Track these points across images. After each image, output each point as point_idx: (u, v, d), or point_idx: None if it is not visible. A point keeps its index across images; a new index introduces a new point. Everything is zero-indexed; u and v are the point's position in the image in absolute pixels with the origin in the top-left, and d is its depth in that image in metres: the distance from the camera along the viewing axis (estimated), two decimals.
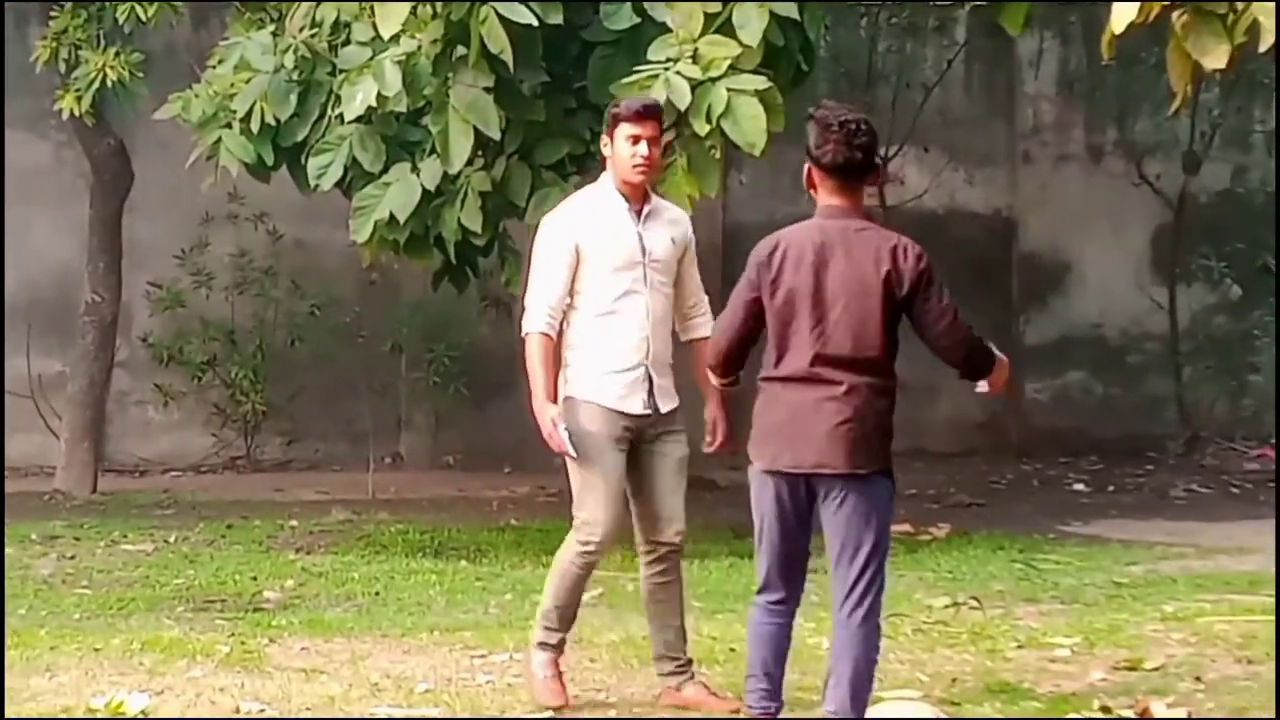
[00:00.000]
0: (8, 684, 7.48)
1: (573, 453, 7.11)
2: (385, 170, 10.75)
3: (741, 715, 6.77)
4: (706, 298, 7.60)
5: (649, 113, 7.32)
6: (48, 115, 14.05)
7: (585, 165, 10.73)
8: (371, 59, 10.37)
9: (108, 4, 12.56)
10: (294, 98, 11.06)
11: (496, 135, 10.34)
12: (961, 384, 6.51)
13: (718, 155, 9.80)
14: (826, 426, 6.19)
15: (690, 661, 7.52)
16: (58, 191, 15.83)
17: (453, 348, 16.14)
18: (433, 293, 12.41)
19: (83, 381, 14.65)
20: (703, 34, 9.67)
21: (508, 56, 9.75)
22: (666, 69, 9.51)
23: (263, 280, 16.30)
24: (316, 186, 10.98)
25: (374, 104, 10.29)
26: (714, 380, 6.66)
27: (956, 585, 10.33)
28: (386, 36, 10.16)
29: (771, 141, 9.64)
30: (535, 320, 7.23)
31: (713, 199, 10.70)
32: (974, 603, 9.65)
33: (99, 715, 7.12)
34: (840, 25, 16.35)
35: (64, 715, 7.12)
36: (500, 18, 9.67)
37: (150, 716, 7.09)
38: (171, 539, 12.08)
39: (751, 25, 9.69)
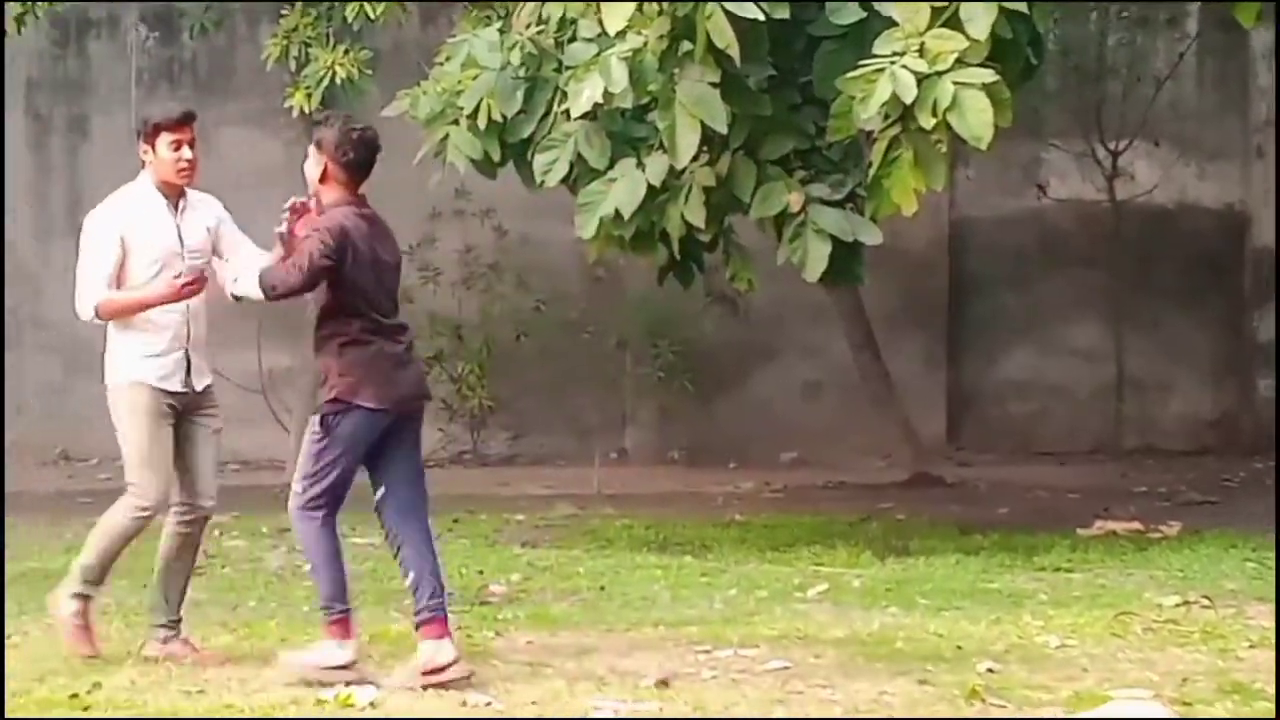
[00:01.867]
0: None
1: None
2: (610, 166, 10.75)
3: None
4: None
5: (189, 119, 8.16)
6: (278, 113, 14.26)
7: (810, 160, 10.68)
8: (597, 55, 10.38)
9: (337, 2, 12.73)
10: (520, 94, 11.10)
11: (723, 130, 10.30)
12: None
13: (944, 149, 9.69)
14: None
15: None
16: (288, 189, 16.04)
17: (677, 343, 16.17)
18: (658, 288, 12.42)
19: (313, 377, 14.83)
20: (929, 28, 9.56)
21: (734, 52, 9.71)
22: (892, 63, 9.41)
23: (489, 276, 16.44)
24: (542, 183, 11.01)
25: (600, 100, 10.29)
26: None
27: (1187, 584, 10.14)
28: (612, 33, 10.15)
29: (998, 136, 9.52)
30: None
31: (939, 193, 10.58)
32: (1205, 601, 9.47)
33: (327, 707, 7.21)
34: (1070, 19, 16.13)
35: (293, 706, 7.21)
36: (726, 13, 9.64)
37: (377, 709, 7.16)
38: None
39: (979, 20, 9.56)
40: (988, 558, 11.03)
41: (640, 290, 15.40)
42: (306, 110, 13.25)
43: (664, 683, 7.49)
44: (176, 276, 7.92)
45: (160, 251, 8.07)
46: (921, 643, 7.74)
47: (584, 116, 10.58)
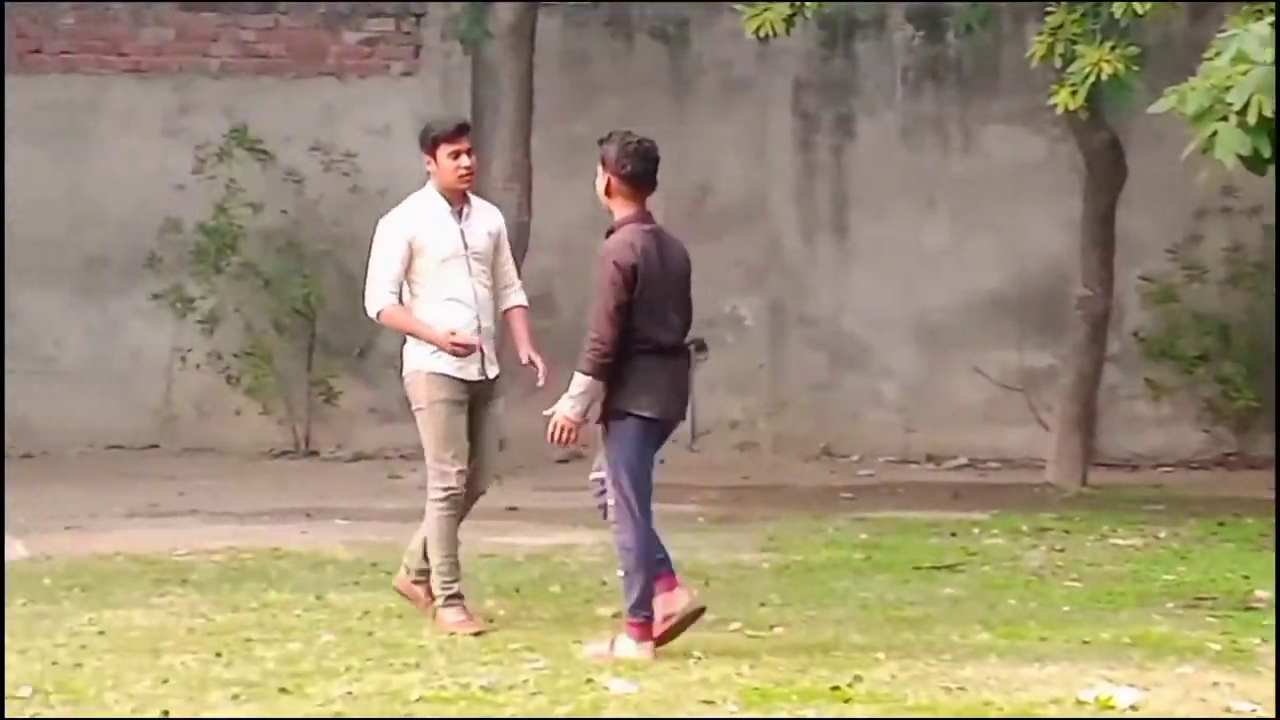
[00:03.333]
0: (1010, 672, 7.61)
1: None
2: None
3: None
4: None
5: (464, 130, 8.77)
6: (1042, 111, 14.19)
7: None
8: None
9: (1104, 1, 12.57)
10: None
11: None
12: None
13: None
14: None
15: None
16: (1050, 186, 16.01)
17: None
18: None
19: (1073, 375, 14.72)
20: None
21: None
22: None
23: (1256, 274, 15.96)
24: None
25: None
26: None
27: None
28: None
29: None
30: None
31: None
32: None
33: (1087, 708, 7.14)
34: None
35: (1053, 706, 7.17)
36: None
37: (1139, 712, 7.04)
38: (1161, 534, 11.97)
39: None
40: None
41: None
42: (1071, 108, 13.13)
43: None
44: (452, 334, 8.50)
45: (446, 252, 8.66)
46: None
47: None
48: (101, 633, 8.48)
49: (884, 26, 16.82)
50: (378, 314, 8.71)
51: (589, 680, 7.45)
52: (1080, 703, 7.15)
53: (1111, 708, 7.07)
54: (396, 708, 7.06)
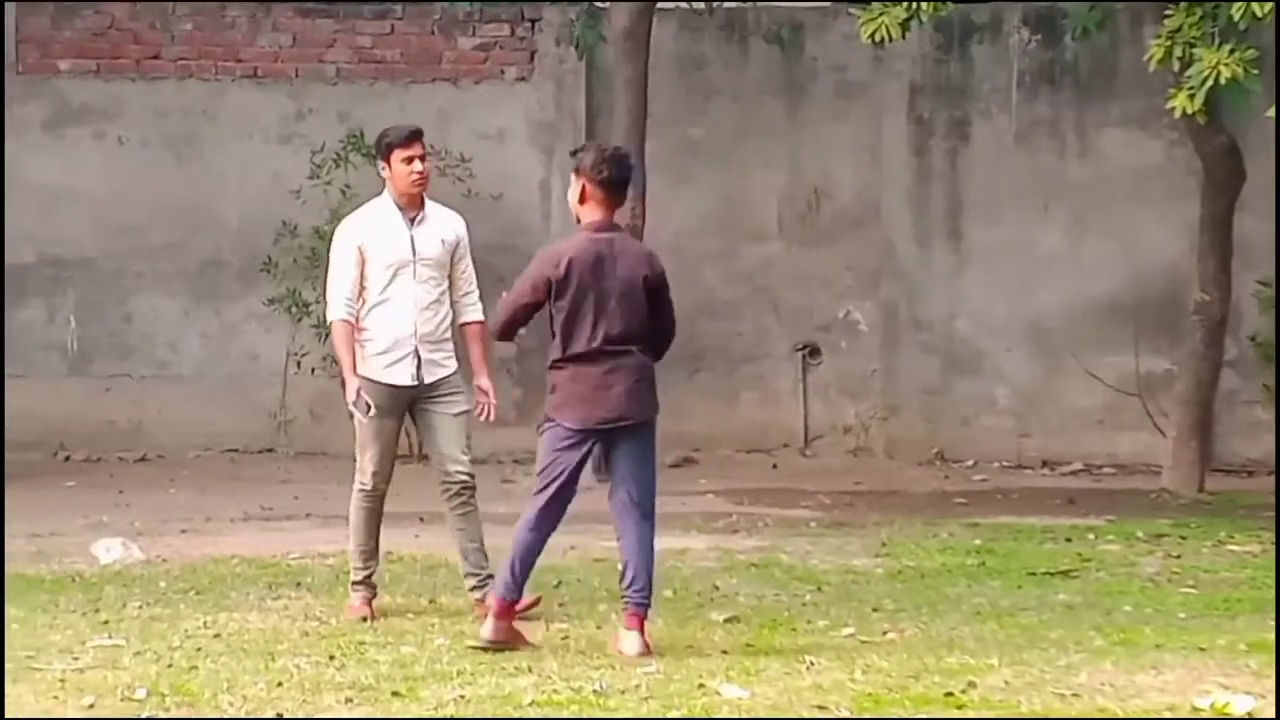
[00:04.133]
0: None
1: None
2: None
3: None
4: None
5: (416, 136, 9.02)
6: (1159, 114, 14.07)
7: None
8: None
9: (1223, 2, 12.45)
10: None
11: None
12: None
13: None
14: None
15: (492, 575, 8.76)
16: (1167, 190, 15.88)
17: None
18: None
19: (1190, 380, 14.58)
20: None
21: None
22: None
23: None
24: None
25: None
26: None
27: None
28: None
29: None
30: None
31: None
32: None
33: (1203, 715, 7.07)
34: None
35: (1167, 712, 7.11)
36: None
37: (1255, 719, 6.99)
38: None
39: None
40: None
41: None
42: (1188, 111, 13.01)
43: None
44: (358, 392, 8.97)
45: (393, 258, 8.97)
46: None
47: None
48: (216, 635, 8.56)
49: (1000, 30, 16.72)
50: (330, 326, 9.21)
51: (701, 685, 7.45)
52: (1196, 710, 7.11)
53: (1227, 715, 7.01)
54: (509, 711, 7.08)
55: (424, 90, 16.62)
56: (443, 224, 9.19)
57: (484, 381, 9.18)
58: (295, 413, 16.40)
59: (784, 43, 16.59)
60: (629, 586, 8.25)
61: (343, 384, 9.18)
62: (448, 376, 9.12)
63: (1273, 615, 9.17)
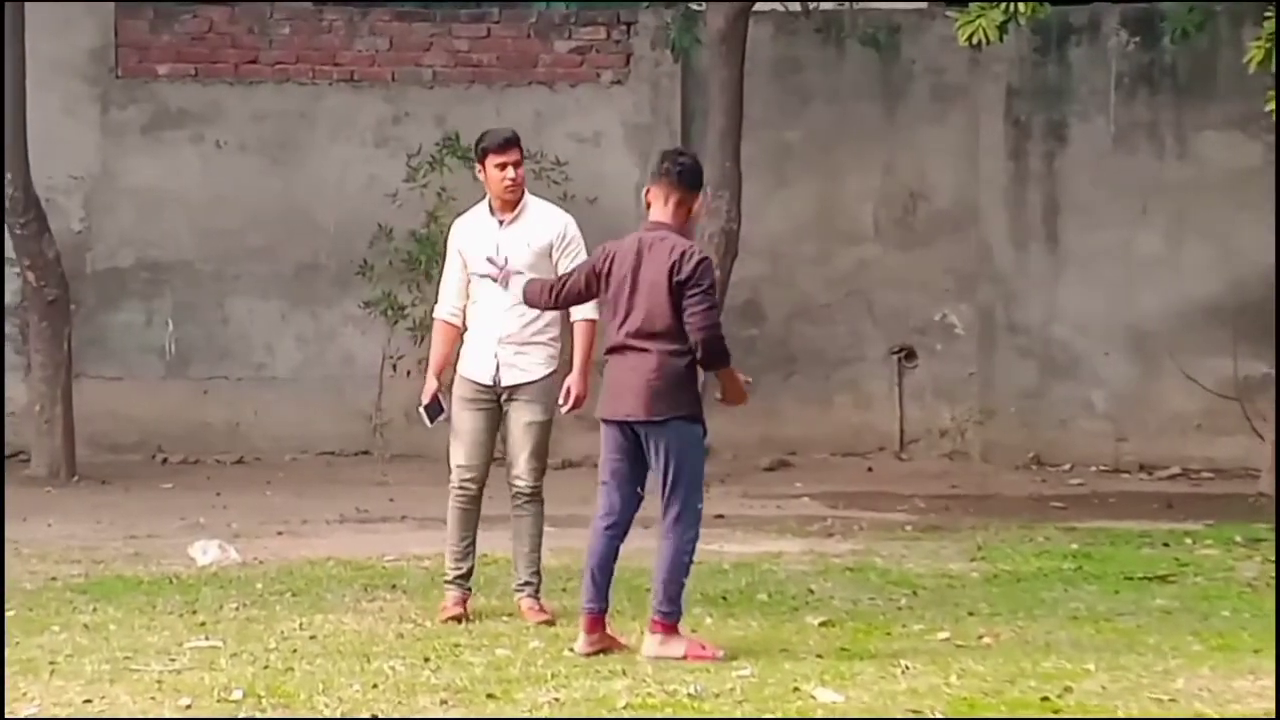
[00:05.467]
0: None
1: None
2: None
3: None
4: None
5: (511, 143, 9.02)
6: (1259, 116, 13.96)
7: None
8: None
9: None
10: None
11: None
12: None
13: None
14: None
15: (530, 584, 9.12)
16: (1267, 192, 15.71)
17: None
18: None
19: None
20: None
21: None
22: None
23: None
24: None
25: None
26: None
27: None
28: None
29: None
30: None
31: None
32: None
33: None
34: None
35: (1264, 716, 7.05)
36: None
37: None
38: None
39: None
40: None
41: None
42: None
43: None
44: (433, 387, 9.20)
45: (478, 259, 9.06)
46: None
47: None
48: (312, 637, 8.59)
49: (1098, 32, 16.64)
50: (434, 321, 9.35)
51: (796, 689, 7.43)
52: None
53: None
54: (603, 714, 7.08)
55: (520, 93, 16.67)
56: (536, 226, 9.10)
57: (573, 379, 9.00)
58: (391, 415, 16.46)
59: (880, 45, 16.54)
60: (653, 599, 8.22)
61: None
62: (530, 383, 9.06)
63: None
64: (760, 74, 15.90)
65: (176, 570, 10.61)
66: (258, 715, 7.10)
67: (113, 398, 16.23)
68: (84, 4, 16.23)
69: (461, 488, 9.20)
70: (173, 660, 8.03)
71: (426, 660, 8.01)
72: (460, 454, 9.17)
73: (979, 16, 12.36)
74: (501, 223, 9.06)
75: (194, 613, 9.22)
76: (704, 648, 8.13)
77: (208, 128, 16.66)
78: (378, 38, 16.81)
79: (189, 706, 7.20)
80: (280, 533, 12.27)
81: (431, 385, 9.18)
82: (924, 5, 16.67)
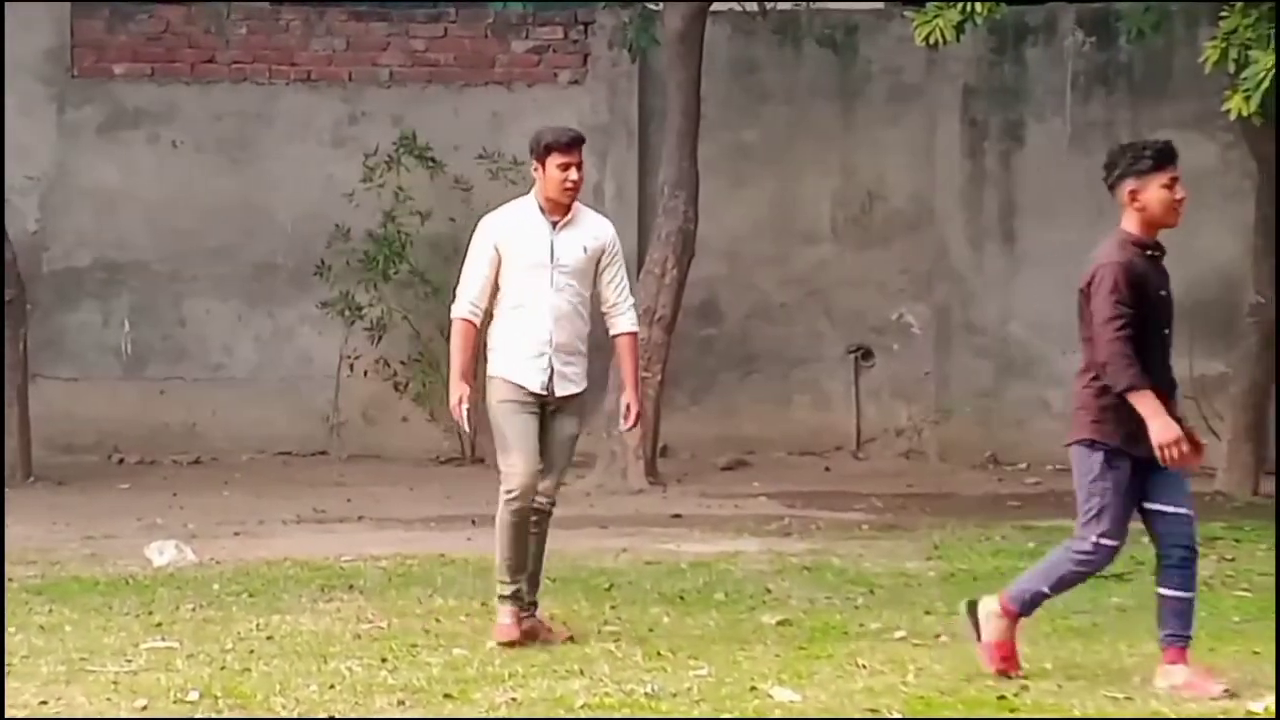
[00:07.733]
0: None
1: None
2: None
3: None
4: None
5: (577, 143, 8.63)
6: (1215, 116, 13.99)
7: None
8: None
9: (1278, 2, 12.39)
10: None
11: None
12: None
13: None
14: None
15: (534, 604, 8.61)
16: (1222, 192, 15.79)
17: None
18: None
19: (1245, 383, 14.53)
20: None
21: None
22: None
23: None
24: None
25: None
26: None
27: None
28: None
29: None
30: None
31: None
32: None
33: (1257, 718, 7.04)
34: None
35: (1221, 714, 7.08)
36: None
37: None
38: None
39: None
40: None
41: None
42: (1244, 114, 12.94)
43: None
44: (460, 400, 8.53)
45: (530, 260, 8.58)
46: None
47: None
48: (269, 638, 8.58)
49: (1054, 32, 16.68)
50: (452, 322, 8.77)
51: (753, 688, 7.45)
52: (1250, 713, 7.08)
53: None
54: (560, 714, 7.08)
55: (477, 93, 16.67)
56: (588, 230, 8.73)
57: (627, 395, 8.72)
58: (348, 415, 16.44)
59: (837, 45, 16.56)
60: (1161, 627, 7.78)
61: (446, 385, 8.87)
62: (576, 395, 8.67)
63: None
64: (718, 74, 15.92)
65: (133, 571, 10.58)
66: (214, 716, 7.08)
67: (69, 398, 16.17)
68: (40, 3, 16.15)
69: (520, 498, 8.45)
70: (129, 661, 8.01)
71: (383, 661, 8.00)
72: (520, 460, 8.46)
73: (936, 17, 12.38)
74: (555, 224, 8.65)
75: (150, 614, 9.20)
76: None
77: (164, 127, 16.60)
78: (335, 37, 16.78)
79: (145, 707, 7.19)
80: (237, 533, 12.24)
81: (465, 390, 8.57)
82: (881, 6, 16.69)
